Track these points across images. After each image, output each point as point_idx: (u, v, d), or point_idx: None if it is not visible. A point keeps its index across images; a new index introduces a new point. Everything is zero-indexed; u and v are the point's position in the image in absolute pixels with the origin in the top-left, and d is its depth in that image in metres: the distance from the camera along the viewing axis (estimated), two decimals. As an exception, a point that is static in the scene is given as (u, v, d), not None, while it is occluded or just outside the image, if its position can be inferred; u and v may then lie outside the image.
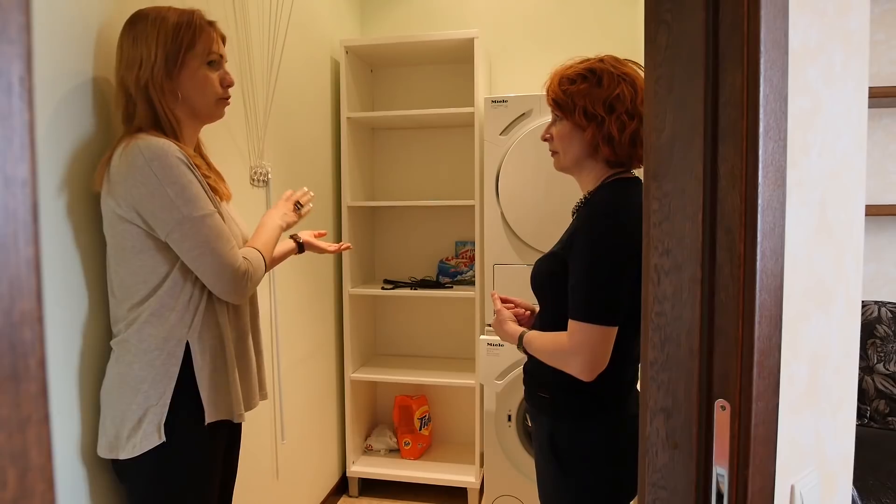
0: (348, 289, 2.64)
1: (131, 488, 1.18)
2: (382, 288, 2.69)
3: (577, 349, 1.11)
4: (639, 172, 1.20)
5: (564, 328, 1.15)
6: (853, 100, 0.85)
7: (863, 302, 2.17)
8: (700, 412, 0.67)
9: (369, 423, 2.98)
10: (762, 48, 0.61)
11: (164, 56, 1.14)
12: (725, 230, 0.64)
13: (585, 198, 1.25)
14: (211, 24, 1.22)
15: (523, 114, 2.28)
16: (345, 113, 2.58)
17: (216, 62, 1.22)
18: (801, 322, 0.75)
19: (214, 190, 1.21)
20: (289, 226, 1.41)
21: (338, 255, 2.67)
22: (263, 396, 1.43)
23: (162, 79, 1.14)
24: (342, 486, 2.73)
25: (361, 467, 2.70)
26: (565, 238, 1.21)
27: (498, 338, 2.25)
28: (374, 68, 2.93)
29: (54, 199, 1.12)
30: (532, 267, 1.30)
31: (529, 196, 2.27)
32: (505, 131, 2.30)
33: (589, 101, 1.17)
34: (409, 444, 2.77)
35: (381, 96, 2.94)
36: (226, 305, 1.23)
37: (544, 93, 1.27)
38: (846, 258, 0.85)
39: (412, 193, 2.94)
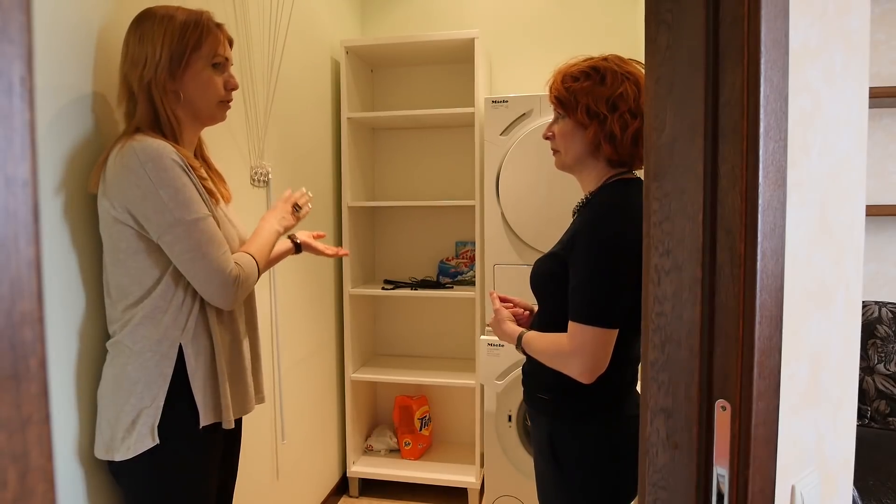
0: (349, 289, 2.64)
1: (127, 490, 1.18)
2: (383, 288, 2.69)
3: (577, 351, 1.11)
4: (640, 173, 1.21)
5: (563, 329, 1.15)
6: (854, 100, 0.85)
7: (863, 302, 2.17)
8: (700, 412, 0.67)
9: (369, 424, 2.98)
10: (762, 48, 0.61)
11: (168, 56, 1.13)
12: (726, 230, 0.64)
13: (586, 198, 1.24)
14: (219, 26, 1.21)
15: (524, 114, 2.28)
16: (345, 113, 2.58)
17: (221, 64, 1.21)
18: (802, 322, 0.75)
19: (211, 192, 1.20)
20: (286, 230, 1.40)
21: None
22: (260, 400, 1.41)
23: (165, 79, 1.14)
24: (342, 487, 2.73)
25: (362, 467, 2.70)
26: (566, 239, 1.21)
27: (498, 338, 2.25)
28: (374, 68, 2.93)
29: (52, 200, 1.12)
30: (532, 267, 1.30)
31: (530, 196, 2.27)
32: (505, 131, 2.30)
33: (591, 98, 1.17)
34: (409, 444, 2.77)
35: (381, 96, 2.94)
36: (220, 314, 1.22)
37: (547, 91, 1.26)
38: (846, 258, 0.85)
39: (412, 194, 2.94)
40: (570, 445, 1.22)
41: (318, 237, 1.61)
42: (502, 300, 1.43)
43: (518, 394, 2.28)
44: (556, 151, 1.28)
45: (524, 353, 1.27)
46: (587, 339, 1.10)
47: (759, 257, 0.62)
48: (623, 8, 2.69)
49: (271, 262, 1.44)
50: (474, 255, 2.76)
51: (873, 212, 2.20)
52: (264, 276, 1.98)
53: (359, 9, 2.95)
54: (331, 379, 2.62)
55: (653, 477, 0.71)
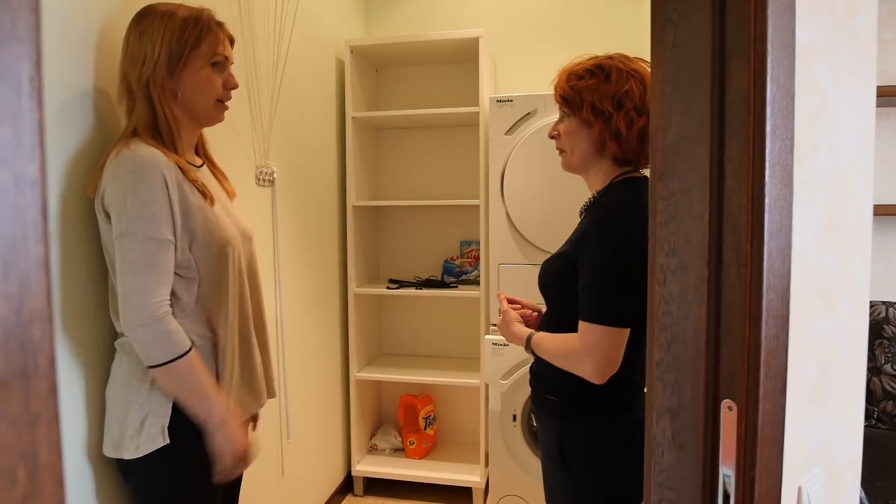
0: (353, 288, 2.64)
1: (135, 488, 1.18)
2: (387, 288, 2.69)
3: (589, 351, 1.10)
4: (647, 171, 1.20)
5: (572, 329, 1.14)
6: (861, 99, 0.84)
7: (870, 302, 2.16)
8: (706, 412, 0.67)
9: (374, 423, 2.98)
10: (769, 47, 0.61)
11: (167, 54, 1.13)
12: (732, 230, 0.64)
13: (594, 197, 1.24)
14: (219, 24, 1.21)
15: (528, 113, 2.28)
16: (350, 112, 2.58)
17: (220, 63, 1.21)
18: (809, 322, 0.74)
19: (205, 193, 1.18)
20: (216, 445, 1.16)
21: (343, 254, 2.68)
22: (271, 395, 1.42)
23: (163, 77, 1.13)
24: (347, 485, 2.73)
25: (366, 466, 2.70)
26: (574, 238, 1.20)
27: (503, 338, 2.25)
28: (378, 68, 2.93)
29: (58, 198, 1.13)
30: (539, 267, 1.29)
31: (534, 196, 2.26)
32: (510, 131, 2.30)
33: (597, 96, 1.16)
34: (413, 443, 2.78)
35: (385, 96, 2.94)
36: (223, 309, 1.21)
37: (552, 90, 1.26)
38: (854, 258, 0.84)
39: (417, 193, 2.95)
40: (578, 447, 1.21)
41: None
42: (510, 301, 1.42)
43: (523, 393, 2.28)
44: (561, 151, 1.28)
45: (533, 354, 1.26)
46: (599, 339, 1.09)
47: (765, 257, 0.62)
48: (628, 7, 2.69)
49: (186, 389, 1.13)
50: (479, 255, 2.76)
51: (880, 211, 2.19)
52: (269, 275, 1.98)
53: (363, 8, 2.95)
54: (336, 378, 2.62)
55: (658, 477, 0.71)
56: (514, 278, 2.33)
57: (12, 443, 0.28)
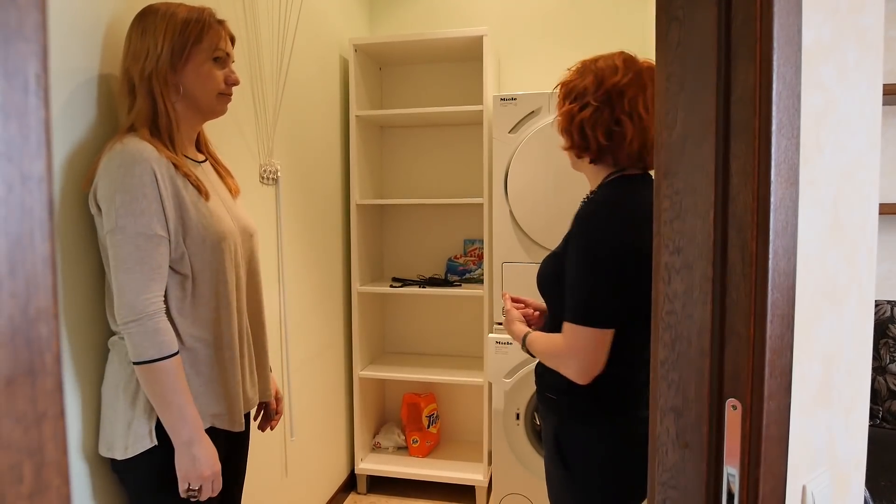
0: (357, 287, 2.64)
1: (129, 487, 1.19)
2: (391, 286, 2.69)
3: (570, 352, 1.11)
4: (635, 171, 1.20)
5: None
6: (867, 97, 0.84)
7: (876, 301, 2.15)
8: (711, 411, 0.67)
9: (378, 421, 2.98)
10: (775, 45, 0.61)
11: (170, 48, 1.14)
12: (737, 228, 0.63)
13: (587, 197, 1.25)
14: (220, 22, 1.22)
15: (532, 112, 2.28)
16: (354, 111, 2.58)
17: (222, 59, 1.22)
18: (814, 321, 0.74)
19: (199, 187, 1.18)
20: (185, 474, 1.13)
21: (346, 253, 2.68)
22: (266, 397, 1.41)
23: (166, 71, 1.14)
24: (350, 483, 2.74)
25: (370, 465, 2.70)
26: (566, 237, 1.21)
27: (507, 336, 2.26)
28: (382, 66, 2.93)
29: (59, 195, 1.13)
30: (539, 268, 1.30)
31: (538, 194, 2.26)
32: (514, 129, 2.30)
33: (562, 91, 1.22)
34: (417, 441, 2.78)
35: (389, 94, 2.94)
36: (220, 306, 1.21)
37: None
38: (859, 257, 0.84)
39: (421, 191, 2.95)
40: (576, 446, 1.21)
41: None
42: (515, 301, 1.43)
43: (526, 392, 2.28)
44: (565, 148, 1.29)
45: (529, 353, 1.27)
46: (579, 340, 1.10)
47: (770, 256, 0.62)
48: (633, 4, 2.68)
49: (158, 395, 1.10)
50: (482, 253, 2.76)
51: (886, 210, 2.18)
52: (272, 273, 1.99)
53: (367, 7, 2.95)
54: (339, 376, 2.63)
55: (662, 476, 0.70)
56: (517, 277, 2.32)
57: (19, 440, 0.28)
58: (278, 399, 1.48)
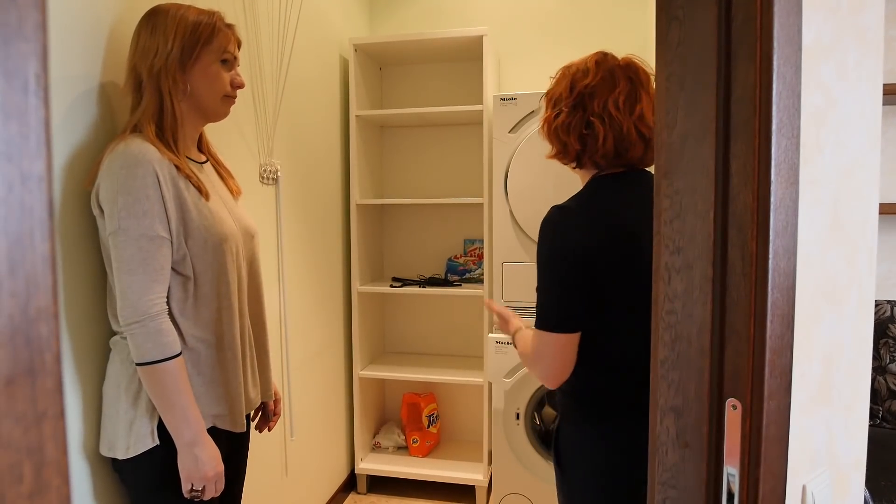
0: (357, 287, 2.64)
1: (130, 487, 1.19)
2: (391, 286, 2.69)
3: (535, 356, 1.13)
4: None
5: None
6: (867, 97, 0.84)
7: (876, 301, 2.15)
8: (711, 411, 0.67)
9: (378, 421, 2.98)
10: (775, 44, 0.61)
11: (180, 47, 1.14)
12: (737, 228, 0.63)
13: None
14: (229, 26, 1.23)
15: (532, 111, 2.28)
16: (354, 111, 2.58)
17: (229, 62, 1.23)
18: (814, 321, 0.74)
19: (200, 188, 1.18)
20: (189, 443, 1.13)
21: (347, 252, 2.68)
22: (268, 397, 1.42)
23: (175, 69, 1.15)
24: (350, 483, 2.74)
25: (370, 464, 2.70)
26: None
27: (507, 336, 2.25)
28: (382, 66, 2.93)
29: (61, 195, 1.13)
30: None
31: (538, 194, 2.26)
32: (514, 129, 2.30)
33: (547, 97, 1.24)
34: (417, 441, 2.78)
35: (389, 94, 2.94)
36: (223, 307, 1.21)
37: None
38: (859, 257, 0.84)
39: (421, 191, 2.95)
40: (570, 447, 1.20)
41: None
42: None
43: (526, 392, 2.28)
44: None
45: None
46: (543, 345, 1.11)
47: (770, 255, 0.62)
48: (633, 4, 2.68)
49: (160, 395, 1.11)
50: (482, 253, 2.76)
51: (887, 210, 2.18)
52: (273, 273, 1.99)
53: (367, 7, 2.95)
54: (339, 376, 2.63)
55: (662, 476, 0.70)
56: (517, 277, 2.32)
57: (19, 439, 0.28)
58: (277, 400, 1.48)
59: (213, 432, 1.19)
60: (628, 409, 1.12)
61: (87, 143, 1.19)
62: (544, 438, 2.39)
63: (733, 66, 0.63)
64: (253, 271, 1.35)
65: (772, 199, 0.61)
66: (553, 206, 1.17)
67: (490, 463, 2.53)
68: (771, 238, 0.61)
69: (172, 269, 1.13)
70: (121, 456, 1.13)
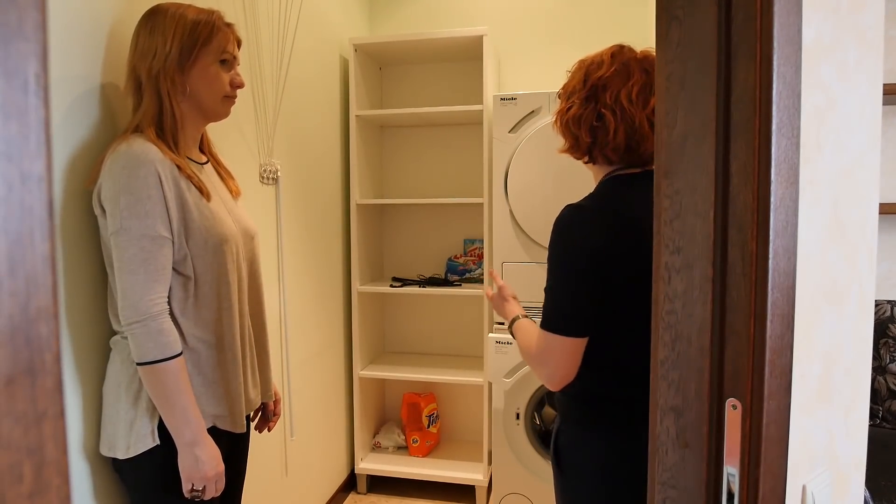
0: (357, 286, 2.64)
1: (130, 487, 1.19)
2: (391, 286, 2.70)
3: (540, 357, 1.11)
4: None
5: None
6: (867, 97, 0.84)
7: (876, 301, 2.15)
8: (711, 411, 0.67)
9: (378, 421, 2.98)
10: (775, 44, 0.61)
11: (179, 48, 1.14)
12: (737, 228, 0.63)
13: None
14: (228, 25, 1.22)
15: (532, 111, 2.28)
16: (354, 111, 2.58)
17: (229, 62, 1.22)
18: (814, 321, 0.74)
19: (202, 189, 1.18)
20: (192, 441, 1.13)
21: (347, 252, 2.68)
22: (268, 397, 1.42)
23: (174, 71, 1.14)
24: (350, 483, 2.74)
25: (370, 464, 2.70)
26: None
27: (507, 336, 2.26)
28: (382, 66, 2.93)
29: (62, 195, 1.13)
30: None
31: (538, 194, 2.26)
32: (514, 129, 2.30)
33: (562, 90, 1.21)
34: (417, 441, 2.78)
35: (389, 94, 2.94)
36: (223, 307, 1.21)
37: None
38: (859, 257, 0.84)
39: (421, 191, 2.95)
40: (572, 448, 1.19)
41: None
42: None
43: (526, 392, 2.28)
44: None
45: (513, 336, 1.26)
46: (550, 347, 1.09)
47: (770, 255, 0.62)
48: (633, 4, 2.68)
49: (160, 395, 1.10)
50: (482, 253, 2.76)
51: (887, 210, 2.18)
52: (273, 273, 1.99)
53: (367, 6, 2.95)
54: (339, 376, 2.63)
55: (662, 476, 0.70)
56: (517, 276, 2.32)
57: (19, 439, 0.28)
58: (277, 400, 1.48)
59: (213, 432, 1.19)
60: (631, 411, 1.10)
61: (88, 142, 1.19)
62: (544, 438, 2.39)
63: (733, 66, 0.63)
64: (253, 272, 1.35)
65: (772, 198, 0.61)
66: (567, 206, 1.14)
67: (490, 463, 2.53)
68: (771, 238, 0.61)
69: (173, 269, 1.13)
70: (121, 456, 1.13)
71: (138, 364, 1.08)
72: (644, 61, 1.13)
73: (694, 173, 0.66)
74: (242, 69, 1.28)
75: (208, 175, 1.27)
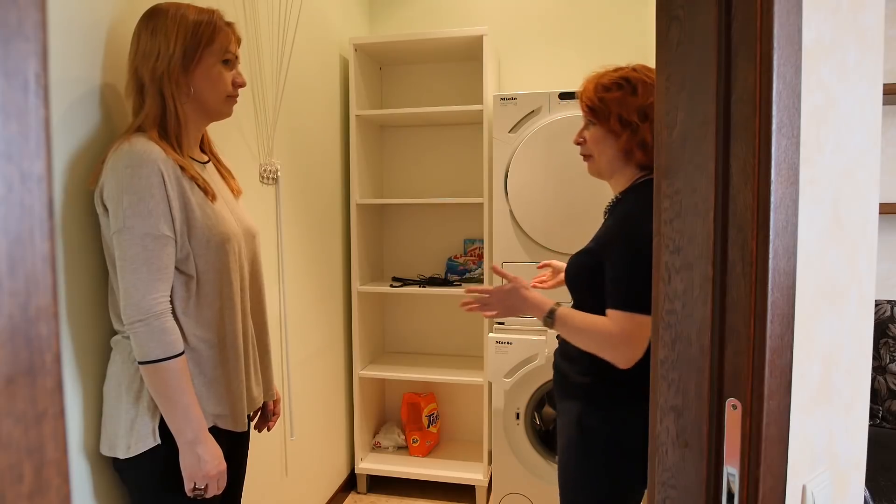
0: (357, 286, 2.64)
1: (130, 487, 1.19)
2: (391, 286, 2.69)
3: (625, 339, 1.14)
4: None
5: None
6: (867, 97, 0.84)
7: (876, 301, 2.15)
8: (711, 411, 0.67)
9: (378, 421, 2.98)
10: (775, 44, 0.61)
11: (182, 50, 1.14)
12: (737, 228, 0.63)
13: (618, 197, 1.30)
14: (229, 24, 1.22)
15: (532, 111, 2.28)
16: (354, 110, 2.58)
17: (231, 62, 1.22)
18: (814, 321, 0.74)
19: (206, 190, 1.18)
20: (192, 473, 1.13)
21: (347, 252, 2.68)
22: (269, 397, 1.42)
23: (178, 72, 1.14)
24: (350, 483, 2.74)
25: (370, 464, 2.70)
26: (601, 234, 1.27)
27: (507, 336, 2.25)
28: (382, 66, 2.93)
29: (62, 195, 1.13)
30: (567, 264, 1.35)
31: (538, 194, 2.26)
32: (514, 129, 2.30)
33: (624, 108, 1.23)
34: (417, 441, 2.78)
35: (390, 94, 2.94)
36: (225, 307, 1.21)
37: (578, 98, 1.32)
38: (859, 256, 0.84)
39: (421, 191, 2.95)
40: (599, 429, 1.24)
41: None
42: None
43: (526, 391, 2.28)
44: (587, 157, 1.34)
45: (551, 327, 1.28)
46: (634, 326, 1.13)
47: (770, 255, 0.62)
48: (633, 4, 2.68)
49: (163, 394, 1.11)
50: (482, 253, 2.75)
51: (887, 210, 2.18)
52: (273, 272, 1.99)
53: (367, 6, 2.95)
54: (339, 376, 2.63)
55: (662, 475, 0.70)
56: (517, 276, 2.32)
57: (19, 439, 0.28)
58: (276, 400, 1.48)
59: (214, 432, 1.19)
60: None
61: (89, 142, 1.19)
62: (544, 438, 2.39)
63: (733, 67, 0.63)
64: (254, 271, 1.35)
65: (772, 198, 0.61)
66: (633, 201, 1.22)
67: (490, 463, 2.53)
68: (771, 238, 0.61)
69: (175, 268, 1.13)
70: (122, 455, 1.13)
71: (140, 363, 1.08)
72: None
73: (694, 173, 0.66)
74: (242, 69, 1.28)
75: (210, 174, 1.28)
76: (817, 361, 0.76)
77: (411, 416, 2.84)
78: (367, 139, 2.76)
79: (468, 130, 2.85)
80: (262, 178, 1.93)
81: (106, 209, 1.10)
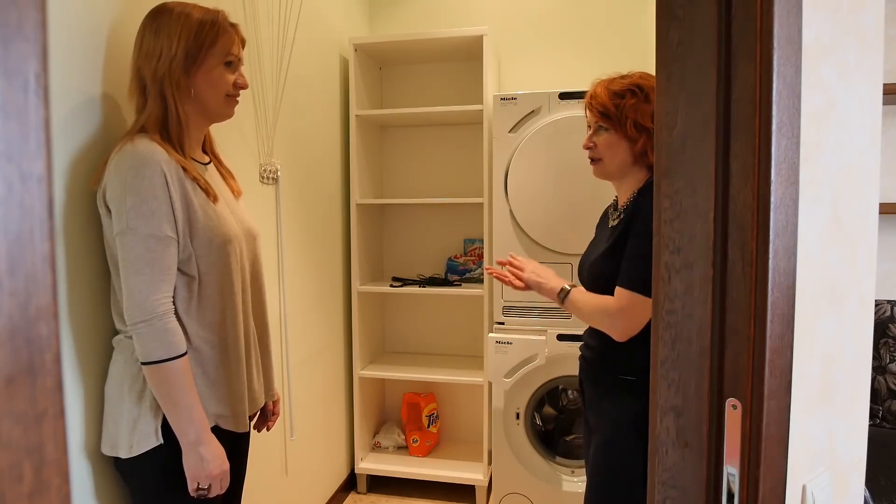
0: (357, 286, 2.64)
1: (132, 486, 1.19)
2: (391, 286, 2.69)
3: (622, 313, 1.24)
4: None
5: None
6: (867, 97, 0.84)
7: (876, 301, 2.15)
8: (711, 411, 0.67)
9: (378, 421, 2.98)
10: (775, 44, 0.60)
11: (184, 51, 1.14)
12: (737, 228, 0.63)
13: (633, 197, 1.35)
14: (233, 25, 1.22)
15: (532, 111, 2.27)
16: (354, 110, 2.58)
17: (233, 63, 1.22)
18: (814, 321, 0.74)
19: (207, 191, 1.18)
20: (197, 475, 1.13)
21: (347, 252, 2.68)
22: (270, 397, 1.42)
23: (179, 74, 1.14)
24: (350, 483, 2.74)
25: (370, 464, 2.70)
26: (620, 230, 1.31)
27: (507, 336, 2.25)
28: (383, 66, 2.93)
29: (64, 195, 1.13)
30: (583, 268, 1.42)
31: (538, 194, 2.26)
32: (514, 129, 2.30)
33: (639, 114, 1.29)
34: (417, 441, 2.78)
35: (390, 94, 2.94)
36: (227, 308, 1.21)
37: (587, 102, 1.37)
38: (859, 256, 0.84)
39: (421, 191, 2.94)
40: (618, 411, 1.30)
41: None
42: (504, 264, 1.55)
43: (526, 391, 2.28)
44: (596, 160, 1.38)
45: (562, 304, 1.39)
46: (635, 303, 1.22)
47: (770, 255, 0.62)
48: (633, 4, 2.68)
49: (165, 394, 1.11)
50: (482, 253, 2.75)
51: (887, 210, 2.18)
52: (273, 273, 1.99)
53: (367, 6, 2.95)
54: (339, 376, 2.63)
55: (662, 476, 0.70)
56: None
57: (19, 439, 0.28)
58: (276, 400, 1.48)
59: (215, 432, 1.19)
60: None
61: (91, 142, 1.19)
62: (544, 438, 2.39)
63: (733, 66, 0.63)
64: (255, 272, 1.35)
65: (772, 198, 0.61)
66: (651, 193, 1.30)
67: (490, 463, 2.53)
68: (771, 238, 0.61)
69: (178, 269, 1.13)
70: (124, 455, 1.13)
71: (143, 364, 1.08)
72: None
73: (694, 173, 0.66)
74: (243, 68, 1.28)
75: (211, 175, 1.28)
76: (817, 361, 0.76)
77: (411, 416, 2.84)
78: (367, 139, 2.76)
79: (468, 130, 2.85)
80: (262, 178, 1.93)
81: (108, 210, 1.10)
